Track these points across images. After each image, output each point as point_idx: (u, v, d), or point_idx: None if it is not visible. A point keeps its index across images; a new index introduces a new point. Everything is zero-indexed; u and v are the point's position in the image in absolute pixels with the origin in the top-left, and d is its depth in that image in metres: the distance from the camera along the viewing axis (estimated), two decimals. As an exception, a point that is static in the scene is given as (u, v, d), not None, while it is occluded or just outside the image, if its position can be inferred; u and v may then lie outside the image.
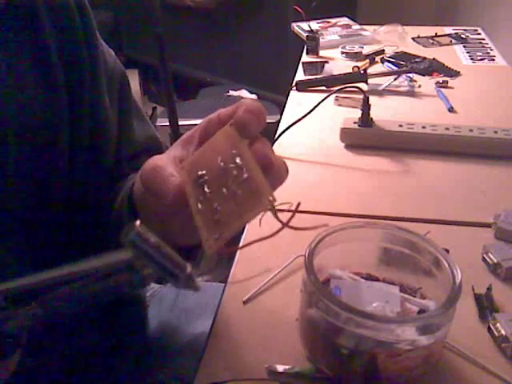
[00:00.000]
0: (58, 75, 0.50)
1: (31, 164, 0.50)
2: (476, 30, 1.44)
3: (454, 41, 1.36)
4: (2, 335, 0.33)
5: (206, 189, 0.38)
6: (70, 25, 0.52)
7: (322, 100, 0.88)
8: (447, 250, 0.56)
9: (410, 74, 1.11)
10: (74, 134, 0.53)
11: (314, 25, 1.44)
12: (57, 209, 0.53)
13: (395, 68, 1.18)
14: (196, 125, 0.45)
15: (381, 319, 0.43)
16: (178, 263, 0.30)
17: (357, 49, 1.26)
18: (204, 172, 0.39)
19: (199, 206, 0.38)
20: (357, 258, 0.52)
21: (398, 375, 0.44)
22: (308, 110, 0.87)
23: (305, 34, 1.32)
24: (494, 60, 1.24)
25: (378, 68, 1.20)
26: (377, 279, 0.52)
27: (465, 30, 1.44)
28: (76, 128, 0.53)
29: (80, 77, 0.53)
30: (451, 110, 0.98)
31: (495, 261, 0.57)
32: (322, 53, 1.29)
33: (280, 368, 0.46)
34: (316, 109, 0.87)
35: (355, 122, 0.87)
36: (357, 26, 1.45)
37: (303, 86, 1.09)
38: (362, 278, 0.52)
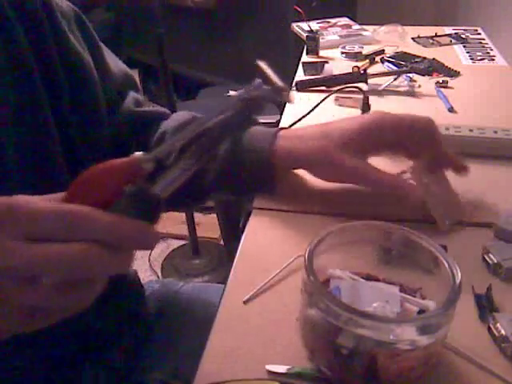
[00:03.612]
0: (21, 39, 0.54)
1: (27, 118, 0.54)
2: (476, 30, 1.44)
3: (453, 41, 1.36)
4: (151, 198, 0.35)
5: None
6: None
7: (322, 100, 0.88)
8: (445, 247, 0.56)
9: (410, 74, 1.11)
10: (52, 89, 0.57)
11: (314, 25, 1.44)
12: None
13: (395, 68, 1.18)
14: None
15: (381, 319, 0.43)
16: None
17: (357, 49, 1.26)
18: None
19: None
20: (357, 258, 0.52)
21: (398, 375, 0.44)
22: (308, 110, 0.87)
23: (305, 34, 1.32)
24: (493, 60, 1.24)
25: (378, 68, 1.20)
26: (377, 279, 0.52)
27: (465, 30, 1.44)
28: (53, 82, 0.57)
29: (39, 29, 0.56)
30: (451, 110, 0.98)
31: (495, 261, 0.57)
32: (322, 53, 1.29)
33: (280, 368, 0.46)
34: (316, 109, 0.87)
35: (355, 122, 0.86)
36: (357, 26, 1.45)
37: (303, 86, 1.09)
38: (362, 278, 0.52)
